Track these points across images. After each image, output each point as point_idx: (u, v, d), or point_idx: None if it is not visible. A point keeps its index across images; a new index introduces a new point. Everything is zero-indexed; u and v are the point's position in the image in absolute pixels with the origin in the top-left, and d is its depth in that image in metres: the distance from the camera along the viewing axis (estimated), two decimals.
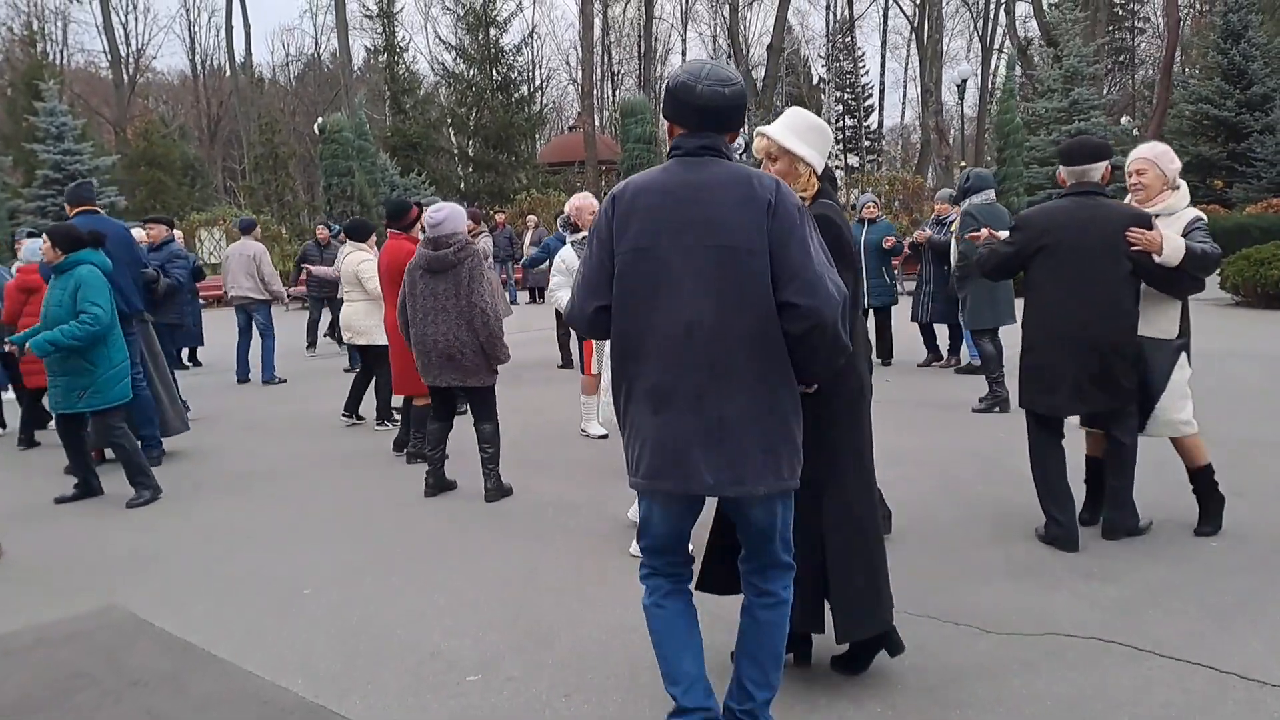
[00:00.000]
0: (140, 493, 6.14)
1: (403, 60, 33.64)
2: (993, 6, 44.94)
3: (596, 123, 39.62)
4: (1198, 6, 40.29)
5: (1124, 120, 28.74)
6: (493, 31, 31.37)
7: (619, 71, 55.80)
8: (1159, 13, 42.47)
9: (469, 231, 6.81)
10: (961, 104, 27.36)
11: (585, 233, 7.50)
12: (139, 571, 4.91)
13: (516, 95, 31.82)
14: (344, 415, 8.49)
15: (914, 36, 47.38)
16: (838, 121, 49.21)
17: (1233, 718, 3.04)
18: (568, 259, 6.89)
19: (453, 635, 3.94)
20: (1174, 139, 24.35)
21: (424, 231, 5.97)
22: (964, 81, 26.53)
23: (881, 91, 52.47)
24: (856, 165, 46.43)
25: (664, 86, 2.87)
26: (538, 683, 3.50)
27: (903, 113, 56.91)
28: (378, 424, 8.18)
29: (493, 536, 5.20)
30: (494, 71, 31.33)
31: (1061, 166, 4.76)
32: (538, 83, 35.56)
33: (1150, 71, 43.69)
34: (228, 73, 49.66)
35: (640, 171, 2.89)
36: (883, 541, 3.30)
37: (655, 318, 2.67)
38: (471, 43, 31.71)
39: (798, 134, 3.24)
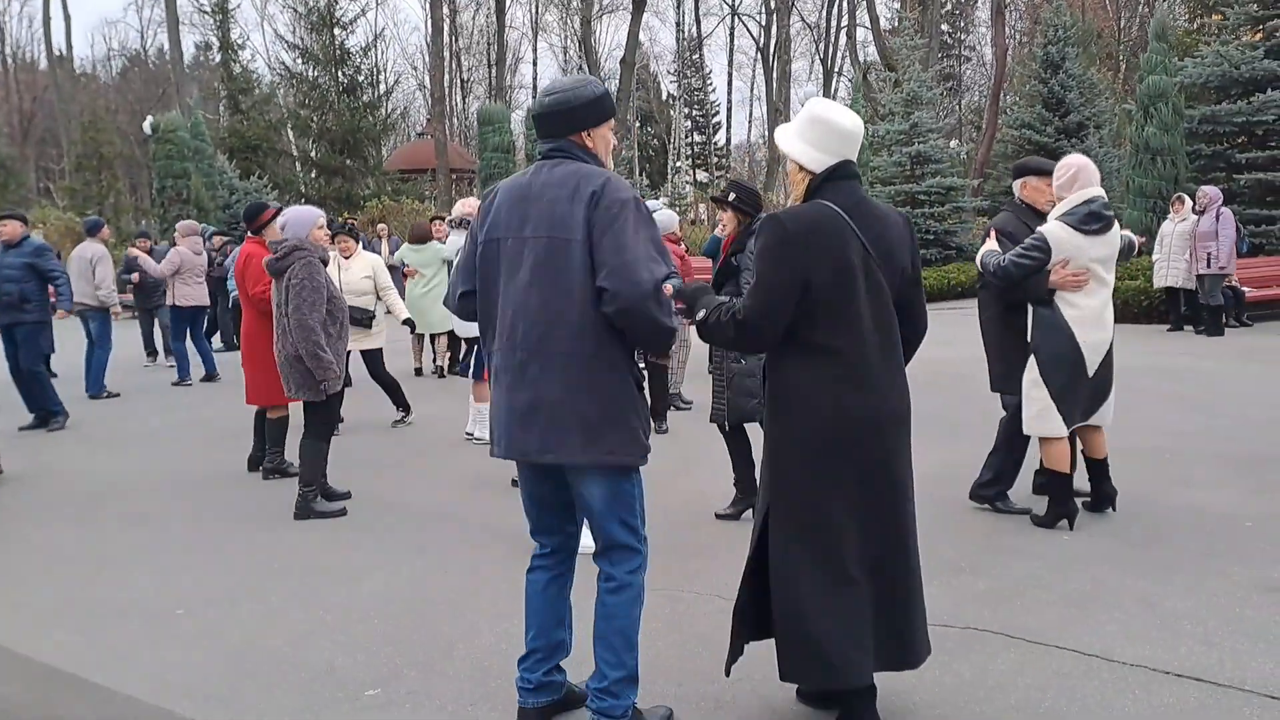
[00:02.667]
0: None
1: (238, 58, 32.37)
2: (833, 31, 46.88)
3: (447, 131, 39.05)
4: (1018, 38, 43.06)
5: (953, 144, 30.41)
6: (338, 32, 30.53)
7: (469, 79, 55.29)
8: (984, 42, 45.18)
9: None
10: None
11: None
12: None
13: (364, 99, 31.02)
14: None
15: (760, 56, 48.80)
16: (686, 138, 50.14)
17: (1098, 694, 3.29)
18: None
19: (345, 651, 3.84)
20: (999, 162, 25.87)
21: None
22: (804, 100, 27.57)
23: (729, 109, 53.77)
24: (705, 181, 47.36)
25: None
26: (440, 694, 3.46)
27: (749, 130, 58.46)
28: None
29: (373, 553, 5.08)
30: (339, 73, 30.48)
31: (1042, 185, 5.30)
32: (386, 86, 34.71)
33: (976, 98, 46.41)
34: (43, 66, 46.59)
35: (504, 178, 3.25)
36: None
37: (500, 302, 2.99)
38: (316, 43, 30.78)
39: (796, 129, 3.06)
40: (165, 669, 3.73)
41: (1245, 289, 12.81)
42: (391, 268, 10.75)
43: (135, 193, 42.78)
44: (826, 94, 44.24)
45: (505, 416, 2.99)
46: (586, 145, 2.99)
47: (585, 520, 3.13)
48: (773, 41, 46.80)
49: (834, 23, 46.95)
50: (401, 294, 9.62)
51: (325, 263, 5.71)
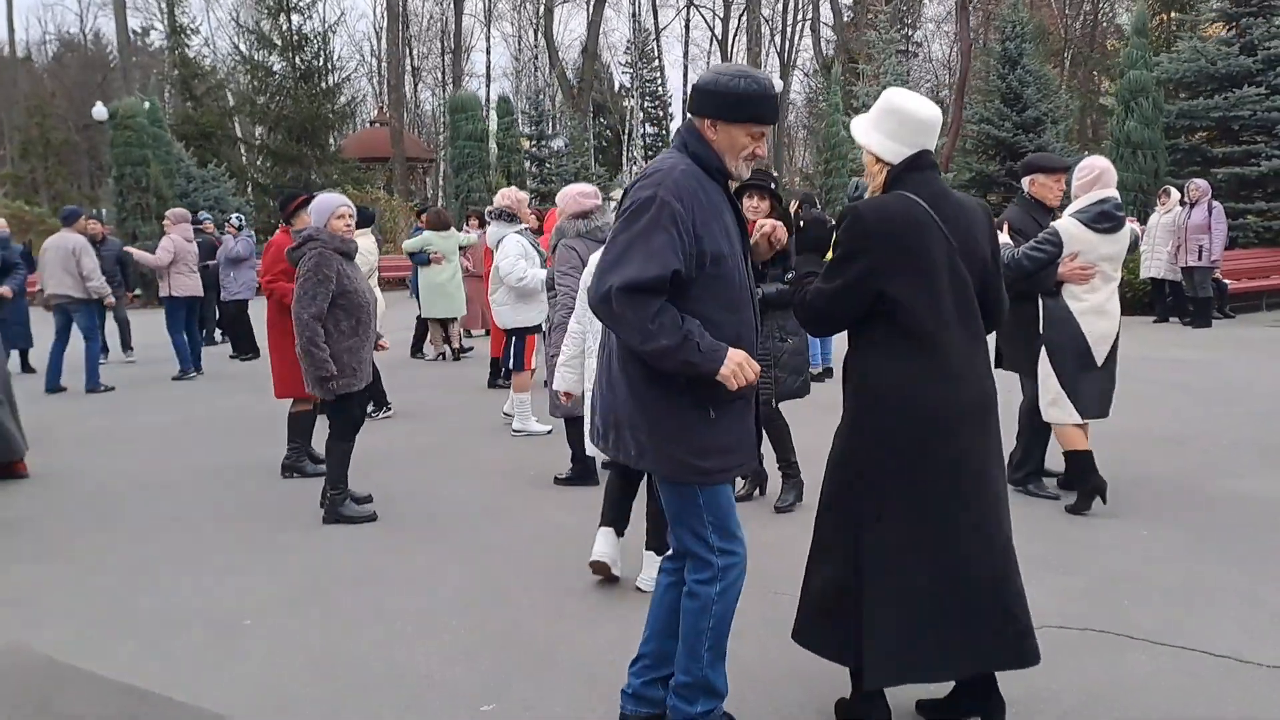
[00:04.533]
0: None
1: (190, 42, 31.50)
2: (789, 25, 46.99)
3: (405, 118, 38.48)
4: (973, 34, 43.50)
5: None
6: (294, 18, 29.81)
7: (419, 67, 54.51)
8: (932, 39, 45.55)
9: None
10: None
11: (524, 224, 7.48)
12: (29, 610, 4.28)
13: (322, 86, 30.32)
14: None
15: (718, 49, 48.71)
16: (640, 129, 49.88)
17: (1242, 698, 3.22)
18: (526, 244, 7.27)
19: (442, 662, 3.65)
20: (959, 157, 26.11)
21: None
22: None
23: (684, 101, 53.60)
24: None
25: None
26: (555, 705, 3.29)
27: None
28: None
29: (428, 556, 4.86)
30: (296, 59, 29.75)
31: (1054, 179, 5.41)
32: (345, 73, 33.99)
33: (925, 94, 46.80)
34: None
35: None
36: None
37: None
38: (272, 28, 30.01)
39: (872, 121, 2.96)
40: (248, 682, 3.51)
41: (1227, 281, 13.02)
42: (410, 254, 11.08)
43: (78, 181, 41.48)
44: (784, 86, 44.34)
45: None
46: (706, 135, 2.78)
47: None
48: (730, 34, 46.84)
49: (790, 17, 47.10)
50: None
51: (348, 255, 5.40)
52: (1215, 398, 8.09)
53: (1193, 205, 12.21)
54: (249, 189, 29.04)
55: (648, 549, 4.27)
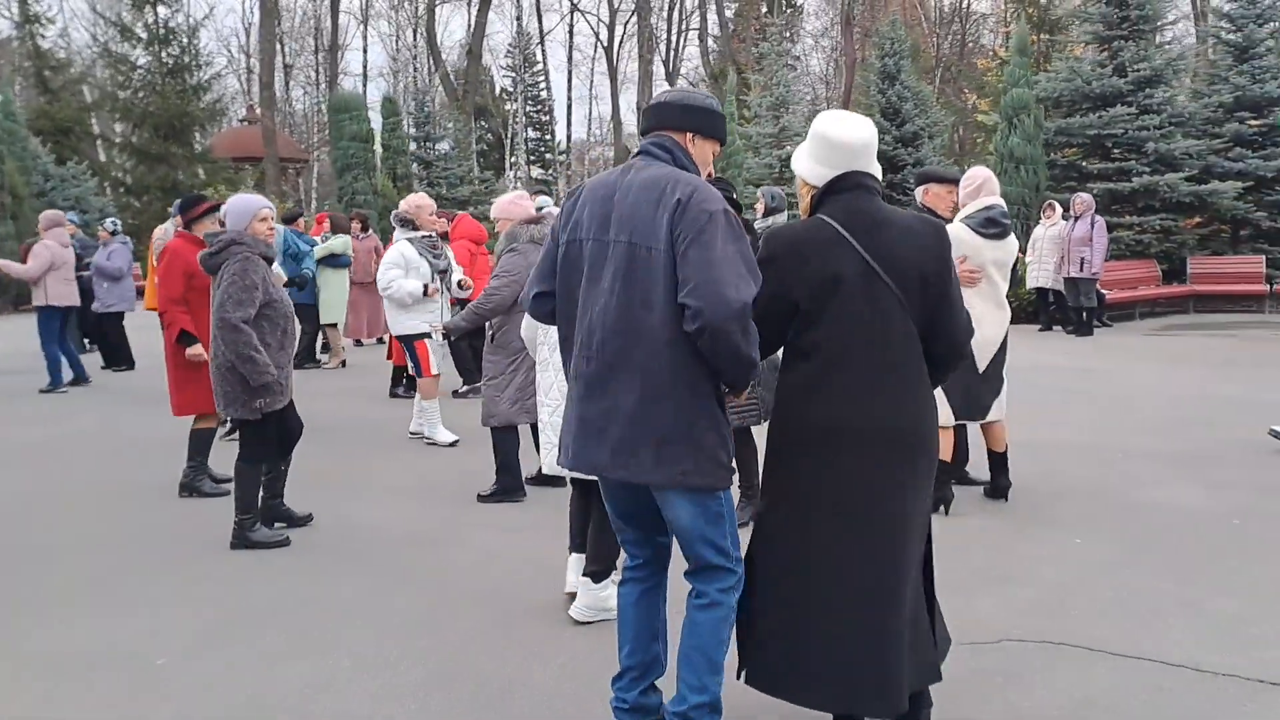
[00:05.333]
0: None
1: (42, 33, 29.62)
2: (674, 35, 47.30)
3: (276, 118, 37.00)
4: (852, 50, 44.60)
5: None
6: (161, 10, 28.38)
7: (291, 64, 52.80)
8: (809, 53, 46.50)
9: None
10: None
11: (424, 231, 7.18)
12: None
13: (192, 81, 28.94)
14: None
15: (604, 55, 48.67)
16: (521, 134, 49.39)
17: (1209, 709, 3.24)
18: (407, 253, 7.08)
19: (389, 702, 3.38)
20: None
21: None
22: None
23: (569, 106, 53.44)
24: (543, 177, 46.82)
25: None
26: None
27: (588, 128, 58.21)
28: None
29: (353, 585, 4.54)
30: (163, 53, 28.32)
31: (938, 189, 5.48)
32: (216, 69, 32.53)
33: (804, 109, 47.76)
34: None
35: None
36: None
37: (580, 307, 2.84)
38: (135, 20, 28.49)
39: (803, 145, 3.02)
40: None
41: (1105, 292, 13.59)
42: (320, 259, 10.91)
43: None
44: (648, 96, 44.54)
45: (576, 426, 2.85)
46: (689, 149, 2.89)
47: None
48: (616, 40, 46.92)
49: (675, 26, 47.44)
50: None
51: (270, 260, 5.08)
52: (1113, 406, 8.36)
53: (1076, 219, 12.70)
54: (109, 189, 27.45)
55: (583, 575, 4.05)
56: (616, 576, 4.08)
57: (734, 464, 2.84)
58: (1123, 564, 4.63)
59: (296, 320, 5.22)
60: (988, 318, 5.22)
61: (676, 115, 2.89)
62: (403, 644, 3.85)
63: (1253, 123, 15.61)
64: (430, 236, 7.26)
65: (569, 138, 54.21)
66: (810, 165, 2.92)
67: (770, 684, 2.85)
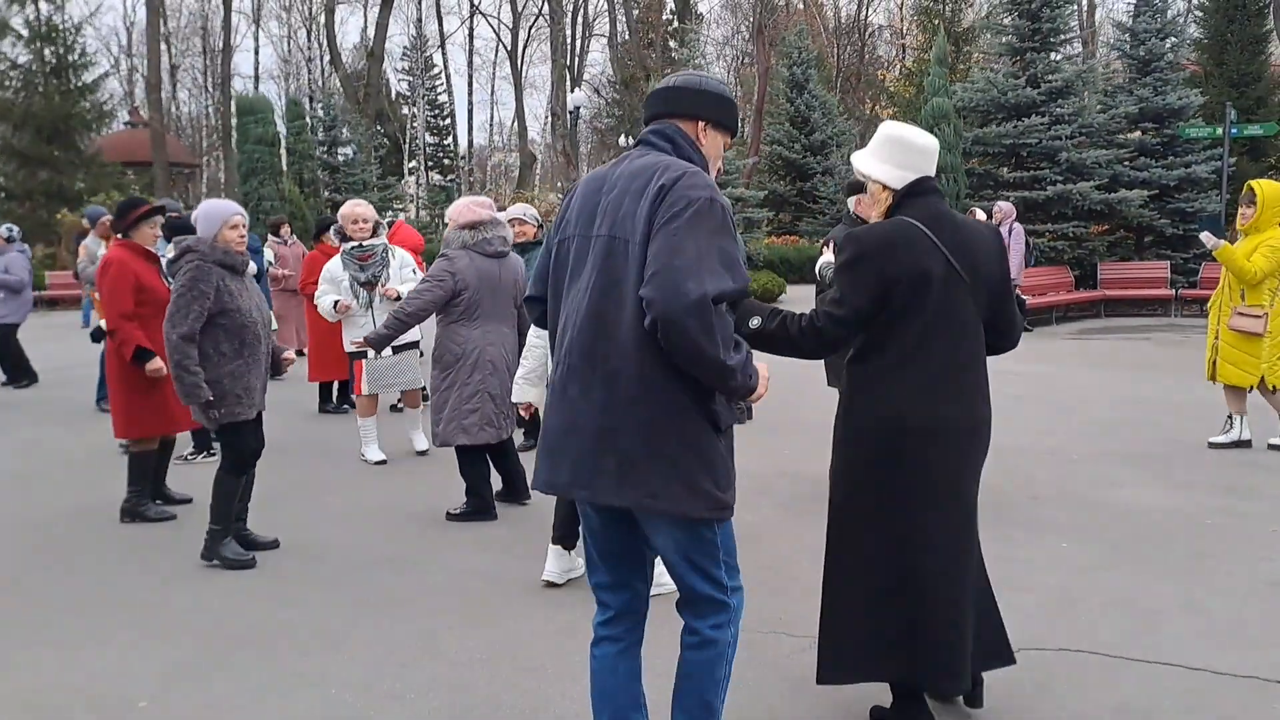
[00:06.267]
0: None
1: None
2: (577, 40, 47.16)
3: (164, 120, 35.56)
4: (745, 61, 45.12)
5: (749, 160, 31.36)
6: (43, 6, 26.98)
7: (177, 65, 50.95)
8: (706, 59, 46.87)
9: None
10: (573, 130, 28.36)
11: (354, 241, 6.88)
12: None
13: (77, 82, 27.56)
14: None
15: (508, 58, 48.19)
16: (418, 138, 48.50)
17: (1242, 711, 3.26)
18: (332, 267, 6.89)
19: None
20: (755, 176, 27.03)
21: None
22: (577, 109, 27.54)
23: (470, 111, 52.74)
24: (442, 184, 46.02)
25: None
26: None
27: (489, 134, 57.56)
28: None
29: (333, 611, 4.28)
30: (45, 52, 26.91)
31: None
32: (103, 69, 31.07)
33: None
34: None
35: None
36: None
37: (562, 308, 2.62)
38: (13, 15, 26.99)
39: (872, 151, 3.09)
40: None
41: (1025, 297, 13.96)
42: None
43: None
44: (564, 104, 44.28)
45: (542, 440, 2.62)
46: (696, 138, 2.64)
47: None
48: (520, 44, 46.53)
49: (580, 31, 47.30)
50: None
51: (234, 269, 4.73)
52: (1054, 408, 8.53)
53: (1000, 225, 13.01)
54: None
55: (554, 543, 4.35)
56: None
57: (727, 490, 2.50)
58: (1115, 567, 4.67)
59: (267, 329, 4.91)
60: None
61: (690, 101, 2.63)
62: (402, 673, 3.62)
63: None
64: (359, 246, 6.92)
65: (471, 144, 53.49)
66: (887, 169, 3.02)
67: (852, 670, 3.03)
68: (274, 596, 4.43)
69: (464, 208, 5.46)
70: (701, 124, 2.64)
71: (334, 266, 6.86)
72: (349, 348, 6.96)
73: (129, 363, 5.42)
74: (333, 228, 7.06)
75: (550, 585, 4.42)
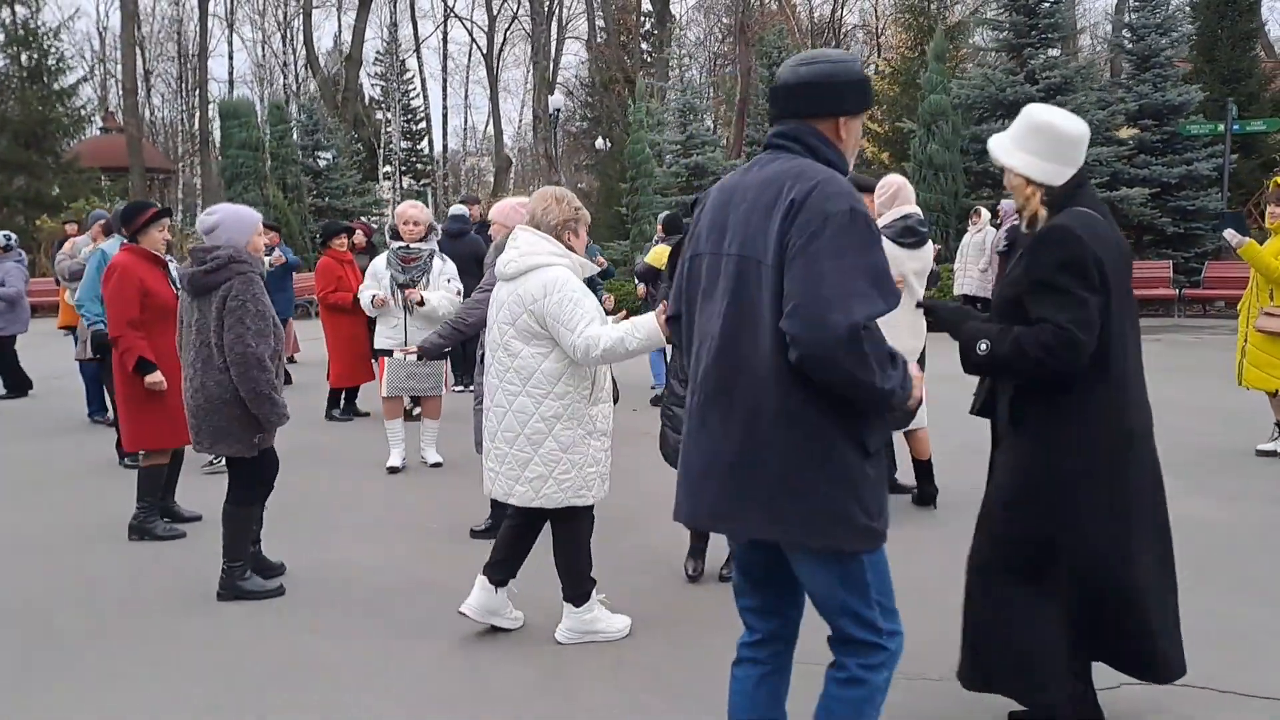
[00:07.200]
0: None
1: None
2: (553, 44, 46.79)
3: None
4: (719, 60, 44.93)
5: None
6: (19, 10, 26.44)
7: (150, 71, 50.25)
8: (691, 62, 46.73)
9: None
10: (553, 132, 28.08)
11: (404, 243, 6.70)
12: None
13: (56, 87, 27.02)
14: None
15: (484, 62, 47.81)
16: (391, 143, 47.93)
17: None
18: (377, 264, 6.84)
19: None
20: None
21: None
22: (557, 112, 27.26)
23: (445, 115, 52.29)
24: (416, 189, 45.43)
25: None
26: None
27: (463, 138, 57.05)
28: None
29: (367, 640, 3.99)
30: (23, 56, 26.37)
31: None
32: (82, 74, 30.53)
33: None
34: None
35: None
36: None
37: (696, 332, 2.47)
38: None
39: (1015, 139, 2.79)
40: None
41: None
42: None
43: None
44: (546, 107, 43.85)
45: (682, 471, 2.47)
46: (834, 137, 2.39)
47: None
48: (495, 47, 46.14)
49: (555, 34, 46.92)
50: None
51: (264, 279, 4.52)
52: None
53: (1002, 225, 12.84)
54: None
55: (484, 574, 3.91)
56: (603, 596, 3.91)
57: (879, 517, 2.32)
58: (1187, 588, 4.43)
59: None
60: (908, 327, 5.10)
61: (828, 99, 2.36)
62: (452, 711, 3.35)
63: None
64: (405, 248, 6.71)
65: (445, 148, 52.97)
66: (1037, 162, 2.74)
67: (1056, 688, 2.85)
68: (302, 625, 4.15)
69: (510, 210, 5.17)
70: (842, 120, 2.39)
71: (379, 264, 6.80)
72: (378, 343, 6.83)
73: (130, 373, 5.12)
74: (386, 226, 6.88)
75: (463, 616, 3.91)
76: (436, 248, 6.89)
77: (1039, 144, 2.73)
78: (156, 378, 5.11)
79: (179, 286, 5.46)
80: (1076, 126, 2.77)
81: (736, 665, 2.56)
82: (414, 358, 6.34)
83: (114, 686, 3.60)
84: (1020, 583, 2.80)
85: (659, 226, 8.97)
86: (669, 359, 9.49)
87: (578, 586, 3.82)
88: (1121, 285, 2.70)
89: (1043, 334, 2.60)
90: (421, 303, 6.46)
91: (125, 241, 5.35)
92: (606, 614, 3.90)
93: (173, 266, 5.56)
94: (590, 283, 7.94)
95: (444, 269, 6.80)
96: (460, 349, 8.54)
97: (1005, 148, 2.80)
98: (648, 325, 3.50)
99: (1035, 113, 2.78)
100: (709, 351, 2.36)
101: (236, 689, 3.55)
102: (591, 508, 3.83)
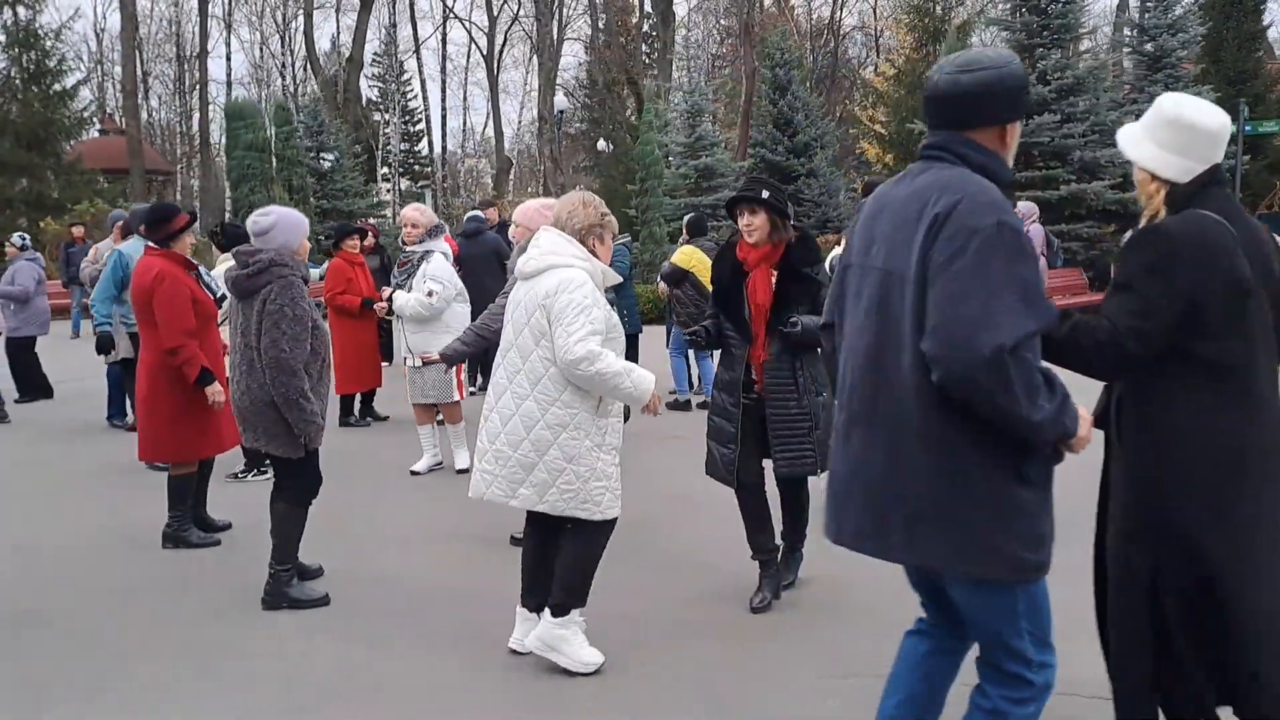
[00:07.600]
0: None
1: None
2: (553, 43, 46.71)
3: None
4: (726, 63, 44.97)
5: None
6: (21, 11, 26.29)
7: (148, 72, 50.11)
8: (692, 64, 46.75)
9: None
10: (558, 133, 27.99)
11: (409, 246, 6.71)
12: None
13: (57, 88, 26.90)
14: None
15: (484, 63, 47.74)
16: (389, 145, 47.79)
17: None
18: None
19: None
20: (740, 178, 26.85)
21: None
22: (561, 113, 27.19)
23: (444, 116, 52.22)
24: (414, 190, 45.32)
25: None
26: None
27: (462, 140, 56.97)
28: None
29: (418, 654, 3.93)
30: (25, 58, 26.25)
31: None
32: (82, 76, 30.40)
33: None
34: None
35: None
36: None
37: (843, 342, 2.43)
38: None
39: (1145, 131, 2.58)
40: None
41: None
42: None
43: None
44: (551, 108, 43.82)
45: (828, 489, 2.44)
46: (997, 145, 2.28)
47: None
48: (497, 48, 46.08)
49: (555, 34, 46.82)
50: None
51: (308, 282, 4.45)
52: None
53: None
54: None
55: (522, 606, 3.82)
56: (581, 622, 3.71)
57: (1038, 549, 2.20)
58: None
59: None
60: None
61: (993, 107, 2.23)
62: None
63: None
64: (401, 251, 6.74)
65: (444, 150, 52.85)
66: (1166, 156, 2.53)
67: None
68: (352, 635, 4.08)
69: (534, 212, 5.08)
70: (1003, 128, 2.28)
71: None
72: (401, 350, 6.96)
73: (191, 385, 5.03)
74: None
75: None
76: (431, 248, 6.70)
77: (1167, 135, 2.53)
78: (216, 388, 5.05)
79: (212, 291, 5.45)
80: (1212, 119, 2.54)
81: (910, 635, 2.56)
82: (417, 364, 6.30)
83: (162, 705, 3.52)
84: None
85: (684, 228, 8.86)
86: (693, 362, 9.45)
87: (567, 598, 3.64)
88: (1244, 294, 2.47)
89: (1099, 330, 2.47)
90: (390, 311, 6.56)
91: (147, 244, 5.27)
92: (581, 640, 3.67)
93: (202, 270, 5.51)
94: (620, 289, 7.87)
95: (428, 270, 6.55)
96: (483, 354, 8.45)
97: (1135, 138, 2.61)
98: (646, 381, 3.53)
99: (1170, 105, 2.58)
100: (852, 368, 2.35)
101: (292, 704, 3.49)
102: (610, 525, 3.67)
